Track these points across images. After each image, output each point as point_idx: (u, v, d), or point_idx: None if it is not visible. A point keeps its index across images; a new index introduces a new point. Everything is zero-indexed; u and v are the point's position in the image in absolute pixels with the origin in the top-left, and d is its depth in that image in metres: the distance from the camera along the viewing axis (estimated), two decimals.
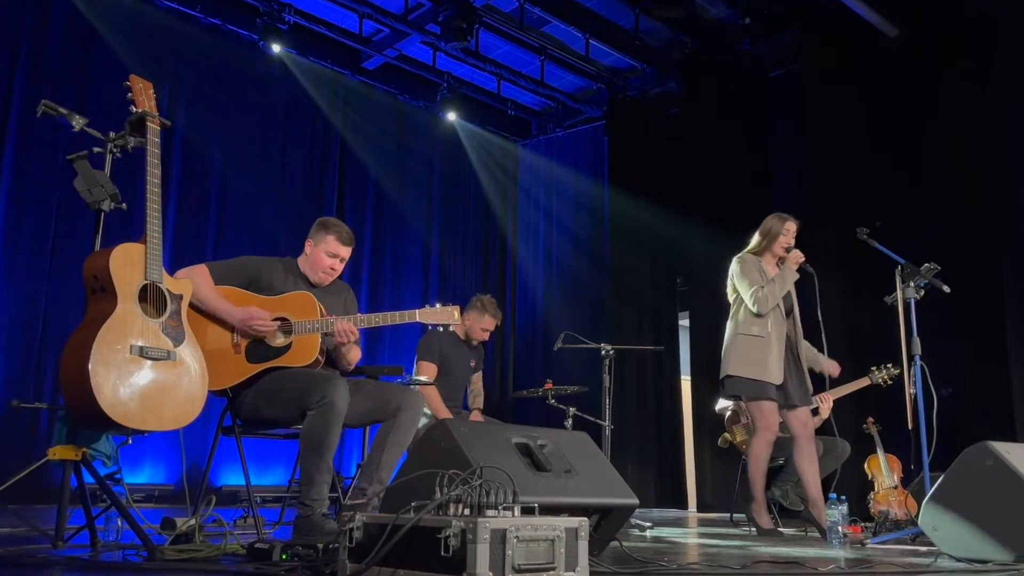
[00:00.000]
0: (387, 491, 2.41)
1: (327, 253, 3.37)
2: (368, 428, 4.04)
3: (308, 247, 3.42)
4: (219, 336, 3.14)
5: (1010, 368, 5.52)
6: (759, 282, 4.34)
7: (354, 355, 3.41)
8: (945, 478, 2.92)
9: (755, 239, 4.49)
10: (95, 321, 2.53)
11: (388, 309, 7.94)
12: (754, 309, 4.31)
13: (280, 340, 3.17)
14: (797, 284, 4.46)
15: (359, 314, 3.29)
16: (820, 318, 4.30)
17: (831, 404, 4.92)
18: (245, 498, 5.08)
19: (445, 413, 4.75)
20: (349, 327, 3.17)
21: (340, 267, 3.42)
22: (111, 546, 2.78)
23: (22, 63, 6.12)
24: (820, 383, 4.96)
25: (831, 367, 4.73)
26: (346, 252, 3.41)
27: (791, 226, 4.43)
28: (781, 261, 4.44)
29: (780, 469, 5.12)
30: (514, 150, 9.53)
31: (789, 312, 4.42)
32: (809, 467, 4.27)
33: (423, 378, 4.75)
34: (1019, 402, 5.42)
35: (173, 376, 2.64)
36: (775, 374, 4.26)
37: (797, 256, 4.35)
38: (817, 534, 4.19)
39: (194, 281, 3.07)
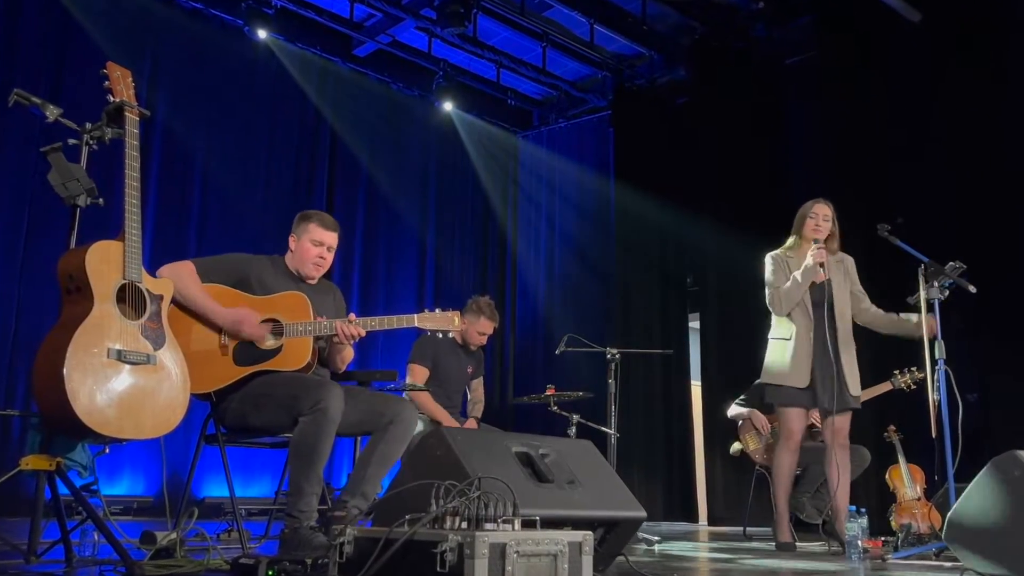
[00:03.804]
0: (380, 503, 2.41)
1: (312, 242, 3.37)
2: (359, 438, 4.04)
3: (292, 242, 3.43)
4: (205, 337, 3.14)
5: None
6: (780, 282, 4.39)
7: (347, 354, 3.43)
8: (971, 489, 2.92)
9: (793, 232, 4.53)
10: (70, 323, 2.53)
11: (381, 310, 7.97)
12: (771, 311, 4.42)
13: (270, 342, 3.17)
14: None
15: (353, 316, 3.30)
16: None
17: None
18: (229, 510, 5.06)
19: (444, 415, 4.75)
20: (358, 331, 3.17)
21: (329, 256, 3.43)
22: (87, 561, 2.78)
23: None
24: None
25: (924, 325, 4.14)
26: (332, 239, 3.41)
27: (820, 208, 4.43)
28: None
29: (797, 480, 5.12)
30: (514, 142, 9.53)
31: (830, 312, 4.33)
32: (836, 476, 4.26)
33: (417, 384, 4.76)
34: None
35: (153, 381, 2.64)
36: (797, 377, 4.27)
37: (818, 255, 4.31)
38: (838, 549, 4.19)
39: (180, 278, 3.07)
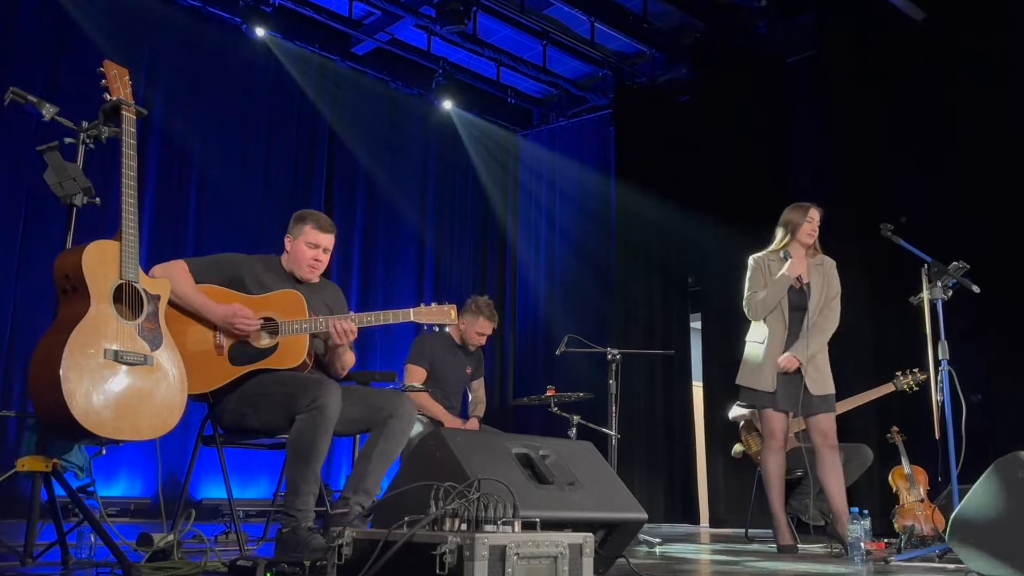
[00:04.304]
0: (379, 504, 2.41)
1: (307, 244, 3.37)
2: (358, 437, 4.05)
3: (288, 243, 3.43)
4: (200, 337, 3.14)
5: None
6: (757, 287, 4.44)
7: (348, 359, 3.42)
8: (974, 491, 2.92)
9: (778, 234, 4.53)
10: (66, 323, 2.53)
11: (380, 310, 7.94)
12: (746, 315, 4.51)
13: (265, 341, 3.17)
14: None
15: (352, 314, 3.30)
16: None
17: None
18: (227, 512, 5.06)
19: (444, 413, 4.75)
20: (349, 326, 3.17)
21: (324, 258, 3.42)
22: (83, 563, 2.77)
23: None
24: (844, 389, 4.96)
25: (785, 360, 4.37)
26: (327, 241, 3.40)
27: (814, 214, 4.47)
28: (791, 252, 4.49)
29: (798, 482, 5.12)
30: (514, 141, 9.53)
31: (805, 316, 4.38)
32: (831, 479, 4.28)
33: (417, 384, 4.75)
34: None
35: (150, 382, 2.64)
36: (766, 381, 4.34)
37: (795, 269, 4.33)
38: (840, 551, 4.19)
39: (172, 278, 3.07)
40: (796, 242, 4.46)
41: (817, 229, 4.47)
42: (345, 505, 3.00)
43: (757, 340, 4.46)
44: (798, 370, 4.32)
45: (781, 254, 4.39)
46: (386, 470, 3.14)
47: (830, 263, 4.54)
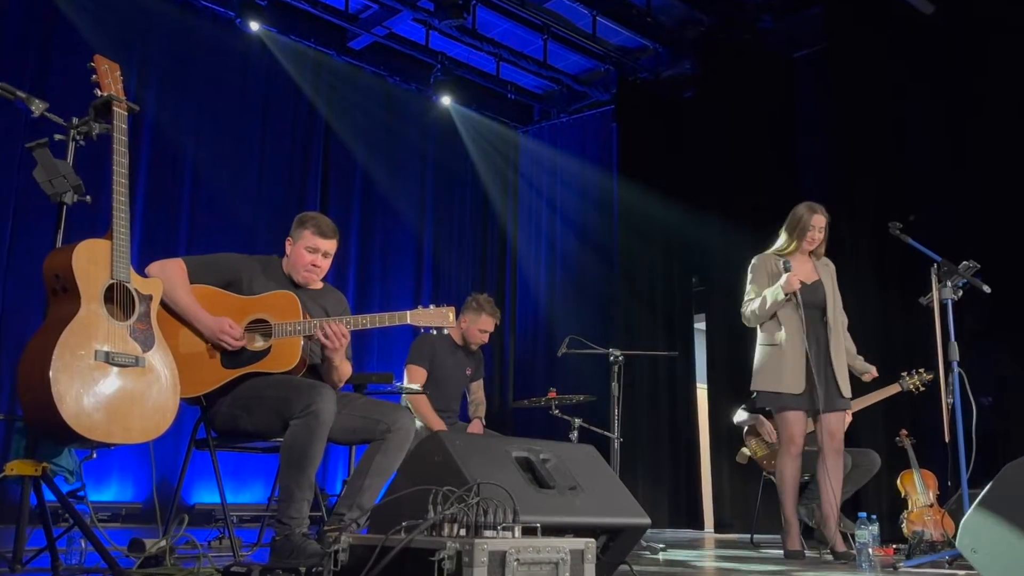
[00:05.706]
0: (376, 509, 2.41)
1: (306, 248, 3.36)
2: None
3: (288, 246, 3.42)
4: (193, 339, 3.14)
5: None
6: (758, 291, 4.43)
7: (345, 369, 3.37)
8: (985, 495, 2.92)
9: (784, 234, 4.52)
10: (56, 324, 2.53)
11: (377, 310, 7.92)
12: (743, 320, 4.50)
13: (259, 344, 3.17)
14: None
15: (344, 316, 3.28)
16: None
17: (850, 417, 4.95)
18: (220, 517, 5.08)
19: (438, 423, 4.74)
20: (340, 329, 3.14)
21: (324, 263, 3.41)
22: (74, 570, 2.78)
23: None
24: (851, 389, 4.96)
25: (867, 371, 4.65)
26: (327, 245, 3.39)
27: (819, 220, 4.45)
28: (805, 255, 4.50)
29: (806, 486, 5.12)
30: (515, 137, 9.53)
31: (823, 313, 4.42)
32: (828, 482, 4.28)
33: (414, 386, 4.74)
34: None
35: (142, 384, 2.64)
36: (791, 384, 4.29)
37: (791, 285, 4.30)
38: (829, 556, 4.21)
39: (168, 277, 3.07)
40: (800, 250, 4.46)
41: (820, 235, 4.45)
42: (339, 522, 2.98)
43: (769, 342, 4.40)
44: (829, 370, 4.33)
45: (782, 264, 4.36)
46: (383, 485, 3.10)
47: (833, 267, 4.57)
